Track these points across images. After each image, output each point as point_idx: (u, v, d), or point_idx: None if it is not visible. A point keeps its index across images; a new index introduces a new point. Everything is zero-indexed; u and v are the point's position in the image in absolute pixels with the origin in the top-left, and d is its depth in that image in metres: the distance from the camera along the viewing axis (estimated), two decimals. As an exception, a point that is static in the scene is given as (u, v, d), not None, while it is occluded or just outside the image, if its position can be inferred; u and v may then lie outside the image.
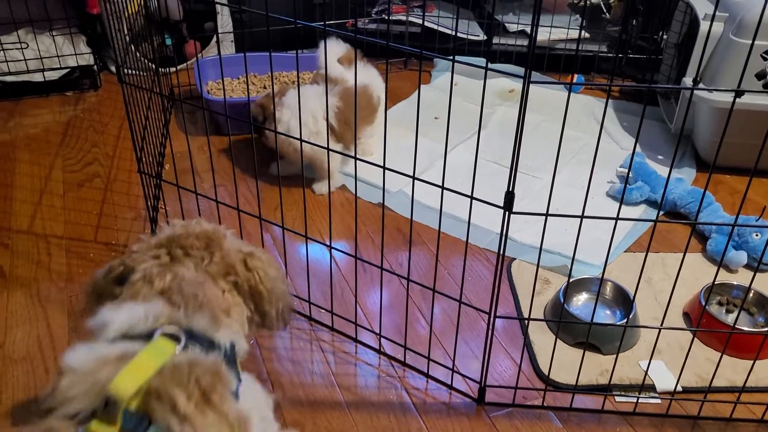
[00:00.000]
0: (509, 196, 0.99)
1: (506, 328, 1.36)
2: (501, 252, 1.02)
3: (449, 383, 1.23)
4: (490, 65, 0.93)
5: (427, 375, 1.25)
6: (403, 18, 2.40)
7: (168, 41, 2.27)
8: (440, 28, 2.38)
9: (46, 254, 1.50)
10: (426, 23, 2.38)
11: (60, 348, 1.27)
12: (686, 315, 1.39)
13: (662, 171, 1.78)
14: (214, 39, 2.32)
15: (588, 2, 2.50)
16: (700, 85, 1.77)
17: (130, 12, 2.11)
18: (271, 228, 1.61)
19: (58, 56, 2.14)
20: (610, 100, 2.25)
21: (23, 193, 1.70)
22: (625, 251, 1.56)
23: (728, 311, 1.39)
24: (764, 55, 1.68)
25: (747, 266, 1.51)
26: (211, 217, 1.61)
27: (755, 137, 1.70)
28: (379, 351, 1.30)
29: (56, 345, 1.27)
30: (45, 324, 1.32)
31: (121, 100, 2.12)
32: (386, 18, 2.40)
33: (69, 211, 1.64)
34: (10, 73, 2.10)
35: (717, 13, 1.77)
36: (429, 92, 2.25)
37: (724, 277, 1.49)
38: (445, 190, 1.04)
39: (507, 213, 1.00)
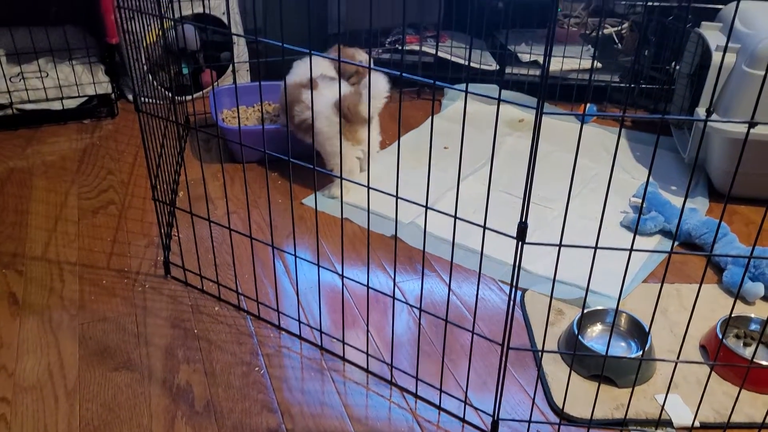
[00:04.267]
0: (522, 227, 0.98)
1: (520, 360, 1.34)
2: (514, 283, 1.01)
3: (461, 416, 1.22)
4: (501, 95, 0.93)
5: (439, 407, 1.23)
6: (417, 48, 2.42)
7: (185, 70, 2.31)
8: (453, 58, 2.40)
9: (60, 281, 1.51)
10: (439, 53, 2.40)
11: (70, 377, 1.26)
12: (703, 348, 1.37)
13: (675, 201, 1.77)
14: (230, 68, 2.35)
15: (600, 33, 2.51)
16: (714, 116, 1.77)
17: (148, 42, 2.14)
18: (284, 255, 1.61)
19: (76, 85, 2.17)
20: (623, 130, 2.25)
21: (38, 219, 1.71)
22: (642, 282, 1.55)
23: (746, 344, 1.36)
24: (778, 86, 1.67)
25: (764, 298, 1.49)
26: (223, 244, 1.61)
27: (770, 168, 1.69)
28: (390, 382, 1.29)
29: (66, 373, 1.27)
30: (56, 352, 1.32)
31: (137, 128, 2.15)
32: (400, 48, 2.42)
33: (83, 237, 1.65)
34: (29, 101, 2.13)
35: (729, 44, 1.77)
36: (439, 121, 2.26)
37: (741, 309, 1.47)
38: (457, 221, 1.03)
39: (520, 244, 0.99)
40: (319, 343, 1.36)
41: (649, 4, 2.28)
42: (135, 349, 1.33)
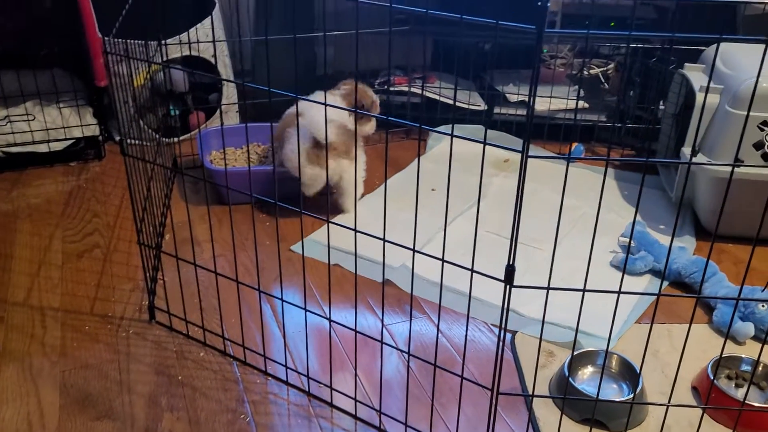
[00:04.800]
0: (510, 270, 0.97)
1: (510, 403, 1.32)
2: (503, 326, 1.00)
3: (451, 463, 1.19)
4: (488, 137, 0.93)
5: (428, 454, 1.21)
6: (405, 89, 2.45)
7: (173, 112, 2.31)
8: (442, 99, 2.42)
9: (41, 327, 1.48)
10: (427, 93, 2.42)
11: (50, 426, 1.23)
12: (695, 389, 1.35)
13: (664, 240, 1.77)
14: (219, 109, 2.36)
15: (587, 73, 2.54)
16: (699, 155, 1.78)
17: (136, 85, 2.15)
18: (271, 299, 1.59)
19: (63, 127, 2.17)
20: (609, 170, 2.26)
21: (22, 264, 1.69)
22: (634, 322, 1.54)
23: (738, 385, 1.35)
24: (761, 126, 1.69)
25: (755, 338, 1.48)
26: (210, 288, 1.59)
27: (756, 206, 1.70)
28: (378, 429, 1.26)
29: (46, 423, 1.24)
30: (36, 400, 1.29)
31: (124, 170, 2.14)
32: (388, 89, 2.44)
33: (67, 282, 1.63)
34: (15, 144, 2.13)
35: (712, 85, 1.79)
36: (425, 163, 2.26)
37: (732, 349, 1.46)
38: (445, 263, 1.03)
39: (508, 287, 0.98)
40: (307, 389, 1.33)
41: (632, 45, 2.32)
42: (117, 397, 1.30)
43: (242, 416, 1.26)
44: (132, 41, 1.54)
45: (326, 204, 1.91)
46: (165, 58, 1.87)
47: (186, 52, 2.22)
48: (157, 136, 2.06)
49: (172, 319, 1.49)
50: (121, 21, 1.41)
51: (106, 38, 1.36)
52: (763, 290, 1.51)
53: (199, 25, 2.24)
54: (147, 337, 1.46)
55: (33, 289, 1.60)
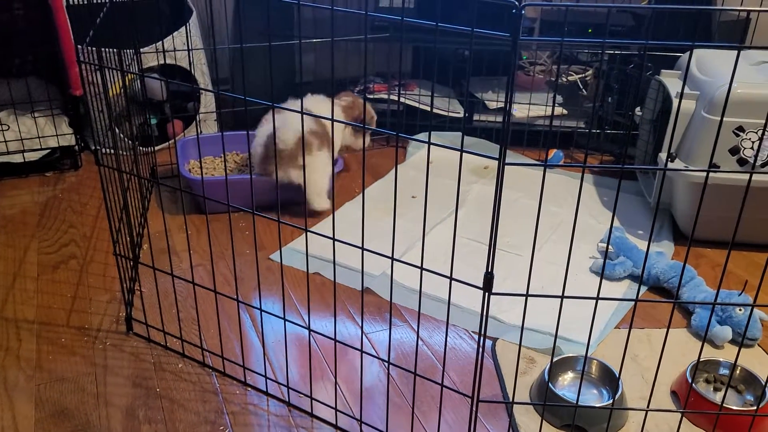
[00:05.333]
0: (488, 277, 0.97)
1: (491, 410, 1.32)
2: (482, 333, 0.99)
3: (433, 471, 1.18)
4: (465, 144, 0.93)
5: (409, 463, 1.20)
6: (385, 96, 2.45)
7: (153, 121, 2.29)
8: (421, 106, 2.42)
9: (16, 340, 1.45)
10: (407, 101, 2.42)
11: (25, 441, 1.21)
12: (674, 393, 1.36)
13: (642, 245, 1.78)
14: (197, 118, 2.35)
15: (565, 80, 2.56)
16: (676, 161, 1.80)
17: (112, 93, 2.13)
18: (251, 309, 1.58)
19: (39, 137, 2.14)
20: (589, 175, 2.28)
21: (-4, 276, 1.67)
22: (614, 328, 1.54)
23: (716, 389, 1.36)
24: (736, 131, 1.71)
25: (733, 341, 1.49)
26: (188, 299, 1.58)
27: (732, 211, 1.72)
28: (359, 438, 1.25)
29: (21, 437, 1.22)
30: (10, 415, 1.26)
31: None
32: (367, 96, 2.44)
33: (42, 294, 1.60)
34: (-11, 154, 2.10)
35: (688, 91, 1.81)
36: (405, 170, 2.26)
37: (710, 353, 1.47)
38: (424, 271, 1.02)
39: (487, 294, 0.98)
40: (287, 400, 1.32)
41: (610, 52, 2.34)
42: (94, 411, 1.28)
43: (221, 428, 1.25)
44: (107, 49, 1.53)
45: (304, 212, 1.91)
46: (141, 67, 1.85)
47: (163, 61, 2.20)
48: (134, 145, 2.04)
49: (149, 331, 1.47)
50: (96, 29, 1.40)
51: (80, 46, 1.34)
52: (740, 294, 1.53)
53: (176, 33, 2.23)
54: (124, 348, 1.44)
55: (8, 302, 1.57)
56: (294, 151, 1.85)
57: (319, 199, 1.93)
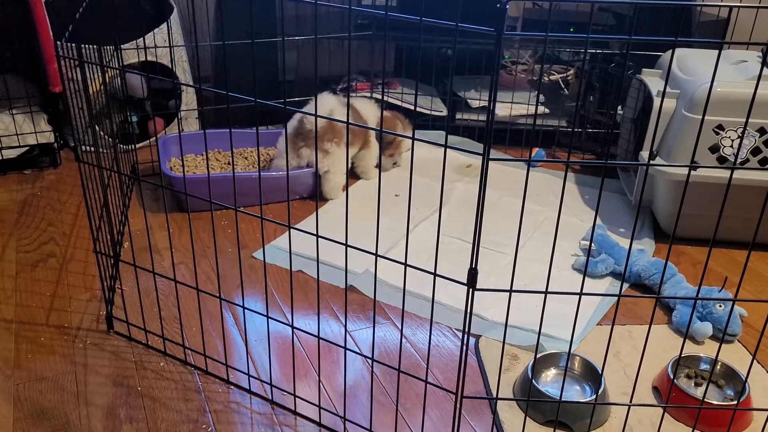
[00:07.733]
0: (472, 273, 0.97)
1: (475, 407, 1.32)
2: (466, 330, 0.99)
3: (417, 468, 1.18)
4: (449, 142, 0.93)
5: (393, 460, 1.20)
6: (368, 95, 2.44)
7: (134, 118, 2.27)
8: (404, 104, 2.42)
9: (-6, 339, 1.43)
10: (390, 99, 2.42)
11: (3, 441, 1.19)
12: (656, 389, 1.37)
13: (624, 243, 1.80)
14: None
15: (547, 79, 2.57)
16: (657, 159, 1.81)
17: (92, 90, 2.10)
18: (233, 307, 1.57)
19: (17, 134, 2.11)
20: (570, 174, 2.29)
21: (-27, 274, 1.64)
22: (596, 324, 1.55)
23: (697, 384, 1.37)
24: (716, 129, 1.73)
25: (713, 337, 1.51)
26: (170, 297, 1.56)
27: (712, 209, 1.73)
28: (343, 435, 1.25)
29: (-1, 438, 1.20)
30: (-12, 415, 1.24)
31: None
32: (348, 95, 2.43)
33: (21, 293, 1.58)
34: (-34, 152, 2.06)
35: (669, 90, 1.83)
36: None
37: (691, 349, 1.48)
38: (408, 268, 1.02)
39: (471, 290, 0.98)
40: (270, 398, 1.31)
41: (592, 51, 2.35)
42: (74, 410, 1.26)
43: (204, 426, 1.24)
44: (87, 45, 1.51)
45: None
46: (121, 63, 1.83)
47: (144, 58, 2.18)
48: (114, 142, 2.01)
49: (130, 329, 1.45)
50: (75, 24, 1.38)
51: (59, 42, 1.32)
52: (721, 290, 1.54)
53: (157, 30, 2.21)
54: (105, 347, 1.42)
55: (-15, 301, 1.55)
56: (322, 134, 1.93)
57: (336, 188, 2.03)
